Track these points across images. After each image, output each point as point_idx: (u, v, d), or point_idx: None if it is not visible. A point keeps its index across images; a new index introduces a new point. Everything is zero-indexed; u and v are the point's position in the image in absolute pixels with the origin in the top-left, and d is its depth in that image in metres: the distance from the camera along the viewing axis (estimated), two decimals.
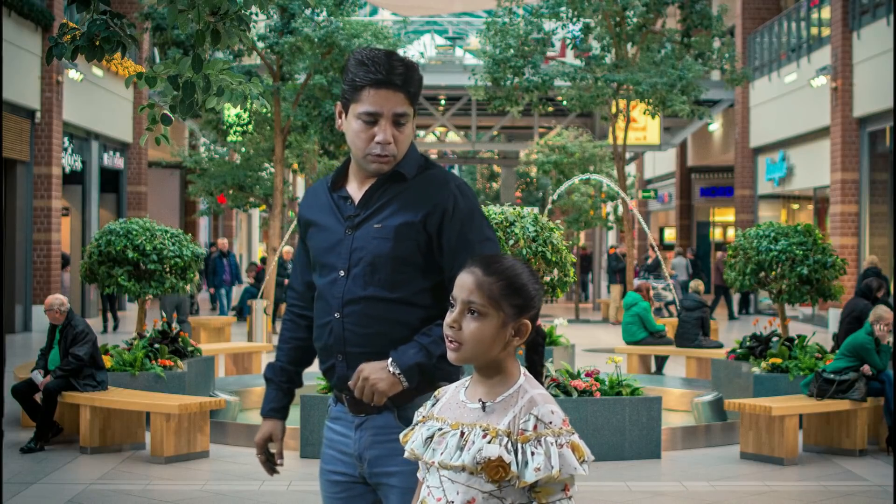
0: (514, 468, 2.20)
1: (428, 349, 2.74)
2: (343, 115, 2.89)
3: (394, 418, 2.80)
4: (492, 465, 2.21)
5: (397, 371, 2.72)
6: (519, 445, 2.22)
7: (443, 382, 2.81)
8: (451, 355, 2.33)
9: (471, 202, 2.85)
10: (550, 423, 2.24)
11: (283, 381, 3.05)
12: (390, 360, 2.74)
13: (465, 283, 2.32)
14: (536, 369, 2.43)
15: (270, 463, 3.03)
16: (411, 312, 2.80)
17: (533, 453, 2.21)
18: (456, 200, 2.82)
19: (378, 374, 2.72)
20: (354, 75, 2.82)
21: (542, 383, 2.42)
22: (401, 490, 2.78)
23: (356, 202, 2.88)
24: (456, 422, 2.32)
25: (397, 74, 2.80)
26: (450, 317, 2.33)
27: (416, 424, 2.42)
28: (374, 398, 2.73)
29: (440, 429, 2.34)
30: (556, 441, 2.22)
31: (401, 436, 2.45)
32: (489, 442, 2.23)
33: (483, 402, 2.31)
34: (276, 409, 3.04)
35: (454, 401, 2.38)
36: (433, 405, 2.43)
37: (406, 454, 2.40)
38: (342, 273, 2.84)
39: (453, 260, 2.76)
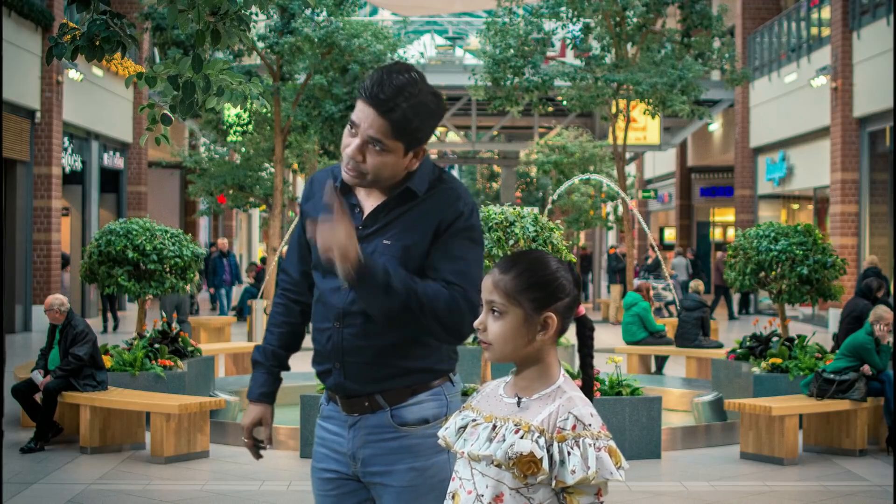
0: (545, 465, 2.19)
1: (398, 275, 2.64)
2: None
3: (387, 418, 2.79)
4: (523, 461, 2.20)
5: (361, 255, 2.58)
6: (555, 443, 2.21)
7: (437, 382, 2.81)
8: (486, 355, 2.35)
9: (472, 223, 2.78)
10: (589, 425, 2.22)
11: (273, 366, 3.02)
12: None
13: (485, 284, 2.34)
14: (587, 361, 2.40)
15: (257, 447, 3.02)
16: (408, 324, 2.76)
17: (569, 453, 2.19)
18: (457, 219, 2.76)
19: (348, 231, 2.57)
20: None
21: (593, 381, 2.39)
22: (395, 489, 2.78)
23: (365, 213, 2.82)
24: (490, 414, 2.33)
25: (382, 97, 2.65)
26: (478, 319, 2.35)
27: (456, 413, 2.43)
28: (324, 243, 2.55)
29: (474, 419, 2.34)
30: (594, 444, 2.20)
31: (443, 422, 2.43)
32: (521, 437, 2.22)
33: (519, 398, 2.31)
34: (266, 393, 3.00)
35: (493, 394, 2.39)
36: (474, 396, 2.43)
37: (440, 440, 2.40)
38: (345, 284, 2.78)
39: (434, 268, 2.71)
